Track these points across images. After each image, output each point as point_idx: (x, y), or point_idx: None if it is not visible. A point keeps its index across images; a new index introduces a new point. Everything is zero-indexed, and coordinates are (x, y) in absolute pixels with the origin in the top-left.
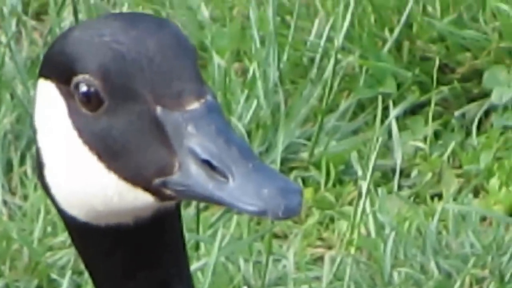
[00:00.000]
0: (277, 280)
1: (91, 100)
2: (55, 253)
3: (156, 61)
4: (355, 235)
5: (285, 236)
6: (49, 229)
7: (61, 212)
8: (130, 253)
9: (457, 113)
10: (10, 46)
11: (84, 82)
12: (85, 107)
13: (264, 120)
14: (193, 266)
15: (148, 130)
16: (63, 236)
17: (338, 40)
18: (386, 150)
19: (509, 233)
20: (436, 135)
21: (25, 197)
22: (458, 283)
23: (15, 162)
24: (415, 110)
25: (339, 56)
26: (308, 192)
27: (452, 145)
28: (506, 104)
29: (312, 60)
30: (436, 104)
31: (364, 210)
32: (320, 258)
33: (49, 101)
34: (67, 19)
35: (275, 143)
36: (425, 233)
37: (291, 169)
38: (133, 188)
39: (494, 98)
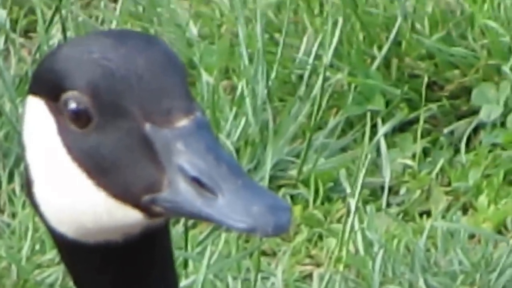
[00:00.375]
0: None
1: (80, 117)
2: (44, 271)
3: (145, 78)
4: (344, 253)
5: (274, 254)
6: (37, 247)
7: (50, 229)
8: (119, 270)
9: (445, 130)
10: None
11: (73, 99)
12: (74, 124)
13: (253, 138)
14: (182, 283)
15: (137, 147)
16: (52, 254)
17: (327, 58)
18: (375, 167)
19: (497, 251)
20: (425, 152)
21: (13, 215)
22: None
23: (4, 179)
24: (403, 127)
25: (328, 73)
26: (296, 210)
27: (440, 162)
28: (495, 121)
29: (300, 78)
30: (424, 122)
31: (352, 227)
32: (309, 276)
33: (38, 118)
34: (56, 37)
35: (264, 161)
36: (413, 251)
37: (280, 186)
38: (122, 205)
39: (482, 116)
